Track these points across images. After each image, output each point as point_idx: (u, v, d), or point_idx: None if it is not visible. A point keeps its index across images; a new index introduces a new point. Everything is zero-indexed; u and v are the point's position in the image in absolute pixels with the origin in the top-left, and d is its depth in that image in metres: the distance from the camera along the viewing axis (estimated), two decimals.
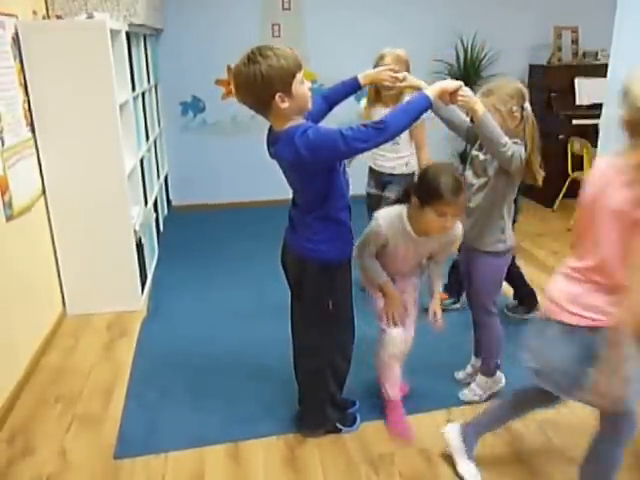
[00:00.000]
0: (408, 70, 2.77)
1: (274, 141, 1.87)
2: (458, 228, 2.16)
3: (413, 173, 3.16)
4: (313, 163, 1.79)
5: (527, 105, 2.14)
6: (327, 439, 2.27)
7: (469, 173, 2.28)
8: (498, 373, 2.47)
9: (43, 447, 2.24)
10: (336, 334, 2.12)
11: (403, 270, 2.27)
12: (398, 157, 3.18)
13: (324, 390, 2.21)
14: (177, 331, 3.12)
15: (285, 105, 1.77)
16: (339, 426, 2.30)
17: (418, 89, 2.13)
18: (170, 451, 2.20)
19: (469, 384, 2.51)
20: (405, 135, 3.03)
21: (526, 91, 2.16)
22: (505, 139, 2.02)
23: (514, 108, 2.11)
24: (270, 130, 1.93)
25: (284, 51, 1.75)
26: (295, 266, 2.07)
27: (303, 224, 2.00)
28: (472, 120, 2.05)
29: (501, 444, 2.23)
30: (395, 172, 3.21)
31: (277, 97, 1.75)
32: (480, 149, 2.24)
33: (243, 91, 1.78)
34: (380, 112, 2.76)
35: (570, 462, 2.05)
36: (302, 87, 1.80)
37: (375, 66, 2.73)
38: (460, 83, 1.93)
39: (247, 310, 3.33)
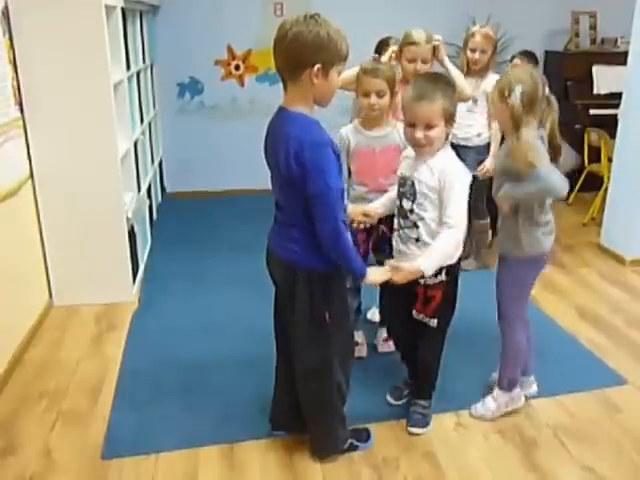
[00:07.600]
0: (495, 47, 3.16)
1: (282, 118, 1.77)
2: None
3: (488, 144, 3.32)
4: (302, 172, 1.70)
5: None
6: None
7: None
8: (517, 390, 2.34)
9: (26, 445, 2.19)
10: (335, 348, 1.94)
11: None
12: (469, 125, 3.29)
13: (333, 412, 2.05)
14: (170, 325, 3.05)
15: (315, 82, 1.68)
16: (356, 443, 2.15)
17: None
18: (161, 452, 2.14)
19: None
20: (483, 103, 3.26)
21: None
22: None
23: None
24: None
25: (345, 36, 1.72)
26: (283, 274, 1.92)
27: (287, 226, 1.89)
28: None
29: (513, 450, 2.17)
30: (469, 144, 3.33)
31: (315, 68, 1.67)
32: None
33: (286, 45, 1.66)
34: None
35: (585, 469, 2.04)
36: (336, 79, 1.75)
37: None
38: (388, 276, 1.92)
39: (245, 303, 3.25)
